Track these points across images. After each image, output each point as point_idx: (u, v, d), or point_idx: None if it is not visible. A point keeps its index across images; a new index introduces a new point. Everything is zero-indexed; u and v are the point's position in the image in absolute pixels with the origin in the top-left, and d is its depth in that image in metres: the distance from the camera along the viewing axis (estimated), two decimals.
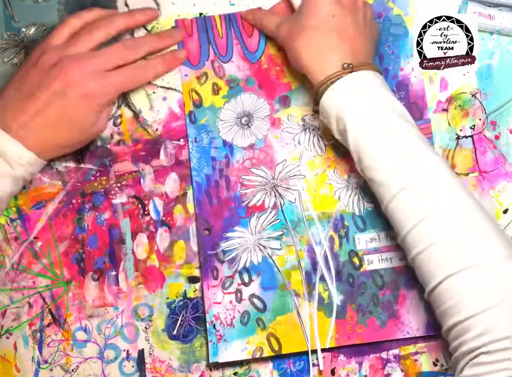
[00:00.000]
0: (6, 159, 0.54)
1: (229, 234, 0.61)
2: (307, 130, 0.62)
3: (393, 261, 0.60)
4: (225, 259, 0.60)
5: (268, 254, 0.60)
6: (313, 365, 0.60)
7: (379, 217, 0.61)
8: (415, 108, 0.62)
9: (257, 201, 0.61)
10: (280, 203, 0.61)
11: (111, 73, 0.57)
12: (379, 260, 0.60)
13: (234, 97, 0.62)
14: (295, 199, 0.61)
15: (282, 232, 0.61)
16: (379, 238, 0.61)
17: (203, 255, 0.60)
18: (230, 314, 0.60)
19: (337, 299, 0.60)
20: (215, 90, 0.62)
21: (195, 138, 0.61)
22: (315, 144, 0.62)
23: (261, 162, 0.62)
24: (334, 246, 0.61)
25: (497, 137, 0.63)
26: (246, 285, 0.60)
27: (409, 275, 0.60)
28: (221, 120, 0.62)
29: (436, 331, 0.59)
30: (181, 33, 0.62)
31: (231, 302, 0.60)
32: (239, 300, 0.60)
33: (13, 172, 0.55)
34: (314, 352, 0.60)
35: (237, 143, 0.62)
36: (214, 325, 0.59)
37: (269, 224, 0.61)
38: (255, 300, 0.60)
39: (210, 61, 0.62)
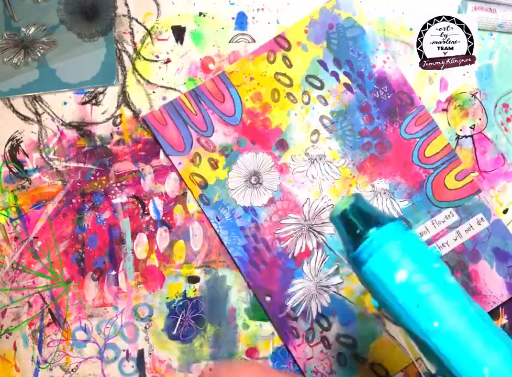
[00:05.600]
0: None
1: (290, 291, 0.60)
2: (315, 161, 0.61)
3: (450, 244, 0.60)
4: (297, 315, 0.60)
5: (334, 291, 0.60)
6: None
7: (417, 209, 0.61)
8: (403, 96, 0.62)
9: (301, 248, 0.60)
10: (323, 239, 0.60)
11: None
12: (438, 247, 0.60)
13: (234, 163, 0.61)
14: (334, 229, 0.61)
15: (337, 266, 0.60)
16: (427, 229, 0.60)
17: (275, 320, 0.60)
18: (326, 364, 0.59)
19: None
20: (214, 164, 0.61)
21: (216, 217, 0.61)
22: (329, 171, 0.61)
23: (287, 210, 0.61)
24: None
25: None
26: (327, 329, 0.60)
27: (470, 250, 0.60)
28: (232, 190, 0.61)
29: None
30: None
31: (321, 351, 0.59)
32: (328, 346, 0.60)
33: None
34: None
35: (257, 203, 0.61)
36: None
37: (321, 264, 0.60)
38: (343, 339, 0.60)
39: (195, 140, 0.61)
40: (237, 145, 0.61)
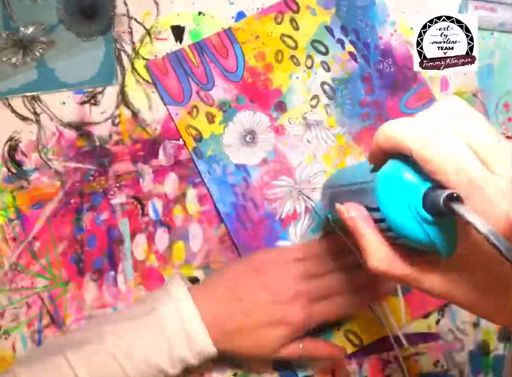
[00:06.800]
0: (191, 348, 0.52)
1: None
2: (311, 126, 0.62)
3: None
4: None
5: None
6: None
7: None
8: (406, 70, 0.62)
9: (289, 211, 0.60)
10: (311, 204, 0.60)
11: (320, 302, 0.55)
12: None
13: (230, 120, 0.61)
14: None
15: (323, 232, 0.60)
16: None
17: None
18: None
19: None
20: (210, 118, 0.61)
21: (208, 172, 0.61)
22: (324, 137, 0.61)
23: (279, 172, 0.61)
24: None
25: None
26: None
27: None
28: (227, 146, 0.61)
29: None
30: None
31: None
32: None
33: (190, 362, 0.52)
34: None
35: (249, 162, 0.61)
36: None
37: (308, 228, 0.60)
38: None
39: (195, 92, 0.61)
40: (236, 102, 0.61)
